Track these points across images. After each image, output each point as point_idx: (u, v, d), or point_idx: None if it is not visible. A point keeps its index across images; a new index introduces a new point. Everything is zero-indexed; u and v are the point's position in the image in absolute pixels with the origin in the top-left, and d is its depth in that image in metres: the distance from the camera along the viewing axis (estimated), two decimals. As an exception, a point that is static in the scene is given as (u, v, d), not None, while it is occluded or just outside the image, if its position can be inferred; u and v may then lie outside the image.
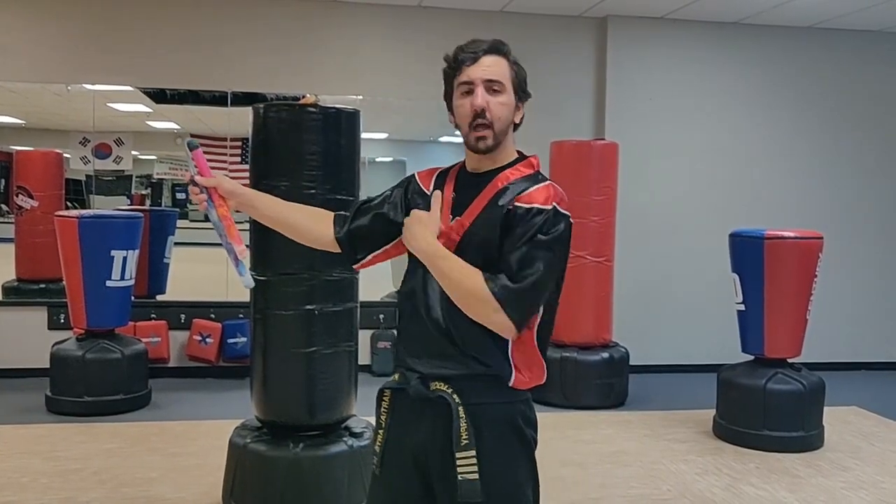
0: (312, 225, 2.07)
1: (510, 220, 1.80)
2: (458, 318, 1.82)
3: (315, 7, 6.54)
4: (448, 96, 1.93)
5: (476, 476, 1.79)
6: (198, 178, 1.96)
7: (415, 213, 1.88)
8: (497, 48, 1.88)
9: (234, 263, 1.97)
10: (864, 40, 7.14)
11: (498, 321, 1.76)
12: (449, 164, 2.04)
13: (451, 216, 1.89)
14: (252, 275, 3.67)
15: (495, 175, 1.88)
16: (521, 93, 1.90)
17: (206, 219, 1.99)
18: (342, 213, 2.09)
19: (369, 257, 2.06)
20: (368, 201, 2.07)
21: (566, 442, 4.95)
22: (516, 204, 1.81)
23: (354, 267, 2.10)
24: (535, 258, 1.77)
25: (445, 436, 1.83)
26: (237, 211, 2.02)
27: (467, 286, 1.77)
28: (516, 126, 1.93)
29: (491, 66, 1.85)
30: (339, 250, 2.06)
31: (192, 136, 6.74)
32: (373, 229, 2.02)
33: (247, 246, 3.71)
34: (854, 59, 7.16)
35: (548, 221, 1.79)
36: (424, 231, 1.83)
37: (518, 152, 1.95)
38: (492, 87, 1.84)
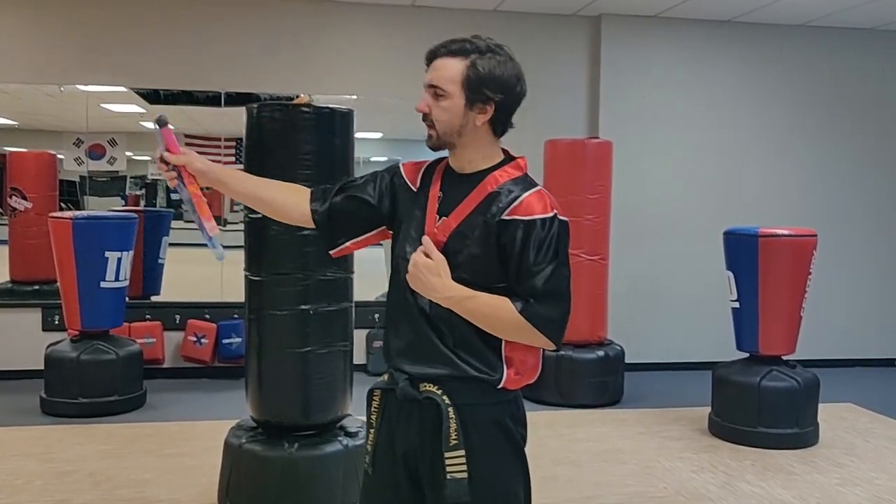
0: (287, 199, 2.03)
1: (511, 234, 1.78)
2: (450, 320, 1.82)
3: (308, 6, 6.53)
4: None
5: (465, 475, 1.80)
6: (166, 155, 1.94)
7: (421, 262, 1.82)
8: (454, 49, 1.83)
9: (205, 239, 1.96)
10: (856, 38, 7.16)
11: (538, 343, 1.83)
12: (429, 158, 2.01)
13: (437, 216, 1.88)
14: (246, 275, 3.70)
15: (483, 177, 1.87)
16: (480, 95, 1.82)
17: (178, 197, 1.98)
18: (318, 189, 2.03)
19: (348, 244, 2.03)
20: (351, 182, 2.03)
21: (561, 440, 4.95)
22: (515, 217, 1.79)
23: (332, 253, 2.06)
24: (559, 276, 1.80)
25: (434, 436, 1.83)
26: (208, 189, 1.99)
27: (502, 318, 1.79)
28: (499, 132, 1.89)
29: (439, 70, 1.84)
30: (312, 226, 2.01)
31: (187, 136, 6.73)
32: (355, 215, 1.99)
33: (240, 246, 3.72)
34: (846, 57, 7.18)
35: (556, 233, 1.79)
36: (440, 280, 1.81)
37: (504, 152, 1.93)
38: (435, 91, 1.84)
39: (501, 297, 1.79)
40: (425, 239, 1.85)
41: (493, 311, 1.79)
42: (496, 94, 1.82)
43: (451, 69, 1.83)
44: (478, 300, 1.80)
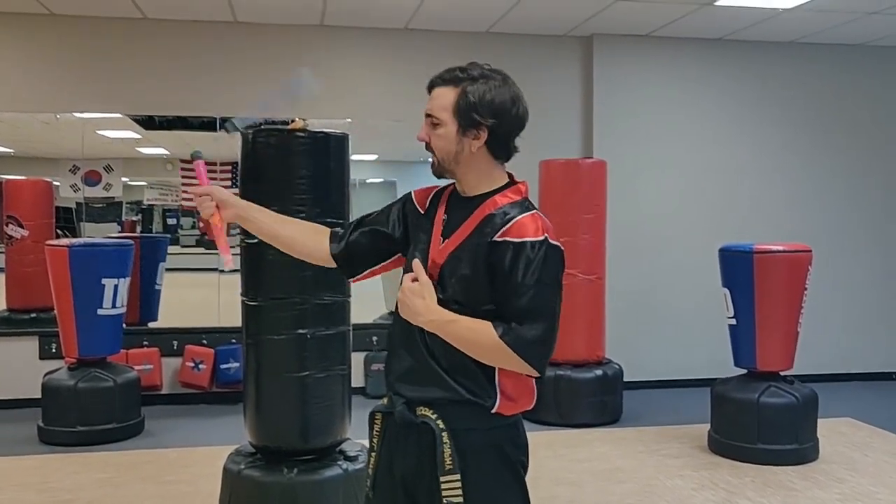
0: (307, 239, 2.10)
1: (500, 255, 1.79)
2: (445, 343, 1.83)
3: (302, 31, 6.58)
4: None
5: (461, 500, 1.80)
6: (191, 189, 2.01)
7: (407, 286, 1.86)
8: (447, 77, 1.88)
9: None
10: (847, 54, 7.22)
11: (520, 368, 1.81)
12: (440, 184, 2.05)
13: (441, 238, 1.91)
14: (243, 300, 3.70)
15: (484, 200, 1.89)
16: (472, 122, 1.84)
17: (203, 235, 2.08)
18: (338, 229, 2.11)
19: (366, 272, 2.10)
20: (366, 217, 2.10)
21: (561, 461, 4.94)
22: (506, 238, 1.80)
23: (351, 280, 2.15)
24: (543, 299, 1.79)
25: (431, 460, 1.83)
26: (230, 223, 2.06)
27: (482, 343, 1.79)
28: (501, 157, 1.91)
29: (434, 99, 1.89)
30: (333, 265, 2.08)
31: (182, 161, 6.76)
32: (371, 247, 2.06)
33: (237, 270, 3.73)
34: (838, 73, 7.24)
35: (544, 257, 1.78)
36: (424, 303, 1.83)
37: (508, 175, 1.95)
38: (431, 120, 1.89)
39: (483, 321, 1.79)
40: (415, 262, 1.88)
41: (474, 335, 1.79)
42: (487, 120, 1.84)
43: (444, 98, 1.87)
44: (459, 324, 1.81)
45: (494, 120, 1.84)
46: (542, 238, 1.80)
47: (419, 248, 1.94)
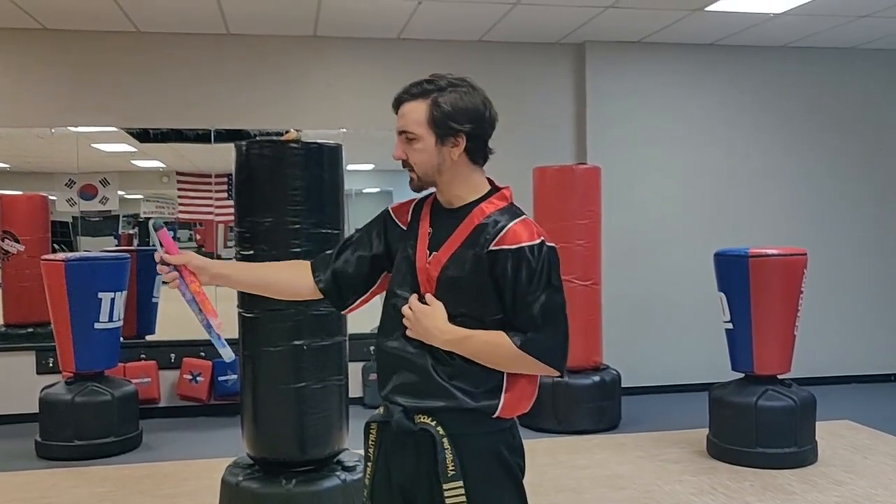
0: (290, 279, 2.08)
1: (502, 264, 1.81)
2: (448, 356, 1.84)
3: (295, 42, 6.60)
4: None
5: None
6: (166, 257, 1.96)
7: (417, 307, 1.86)
8: (416, 93, 1.87)
9: (213, 338, 1.97)
10: (839, 57, 7.25)
11: (541, 372, 1.85)
12: (416, 196, 2.04)
13: (427, 252, 1.90)
14: (240, 311, 3.70)
15: (470, 210, 1.89)
16: (448, 130, 1.85)
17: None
18: (318, 259, 2.08)
19: (357, 302, 2.07)
20: (348, 242, 2.07)
21: (560, 467, 4.93)
22: (502, 247, 1.81)
23: (343, 312, 2.11)
24: (554, 303, 1.82)
25: (431, 468, 1.84)
26: (211, 284, 2.02)
27: (502, 355, 1.82)
28: (478, 160, 1.92)
29: (405, 115, 1.88)
30: (321, 297, 2.06)
31: (178, 173, 6.76)
32: (357, 274, 2.03)
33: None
34: (830, 76, 7.27)
35: (546, 259, 1.81)
36: (437, 323, 1.84)
37: (490, 182, 1.96)
38: (406, 136, 1.89)
39: (498, 332, 1.82)
40: (413, 299, 1.88)
41: (493, 347, 1.82)
42: (464, 126, 1.86)
43: (416, 112, 1.86)
44: (475, 339, 1.82)
45: (471, 125, 1.86)
46: (538, 241, 1.82)
47: (405, 262, 1.94)
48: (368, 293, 2.06)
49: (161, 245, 1.99)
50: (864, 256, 7.33)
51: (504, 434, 1.90)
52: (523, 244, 1.80)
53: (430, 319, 1.84)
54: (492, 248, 1.82)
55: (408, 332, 1.88)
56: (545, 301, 1.80)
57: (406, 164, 1.91)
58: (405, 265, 1.94)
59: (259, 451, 3.68)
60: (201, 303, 1.97)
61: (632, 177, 6.89)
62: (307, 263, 2.08)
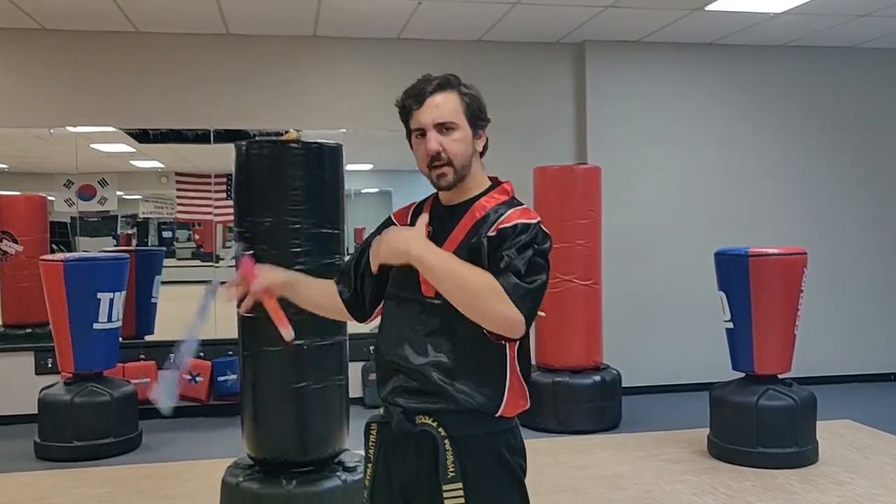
0: (333, 301, 2.09)
1: (499, 241, 1.80)
2: (455, 354, 1.82)
3: (295, 42, 6.59)
4: (409, 137, 1.94)
5: None
6: (253, 286, 1.99)
7: (391, 229, 1.86)
8: (443, 84, 1.87)
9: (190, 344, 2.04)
10: (838, 56, 7.24)
11: (509, 315, 1.71)
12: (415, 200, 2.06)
13: None
14: (239, 312, 3.68)
15: (471, 205, 1.89)
16: (479, 121, 1.89)
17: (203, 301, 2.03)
18: (337, 276, 2.11)
19: (375, 312, 2.10)
20: (361, 257, 2.05)
21: (561, 467, 4.93)
22: (500, 227, 1.81)
23: (366, 322, 2.13)
24: (539, 265, 1.79)
25: (431, 468, 1.83)
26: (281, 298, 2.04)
27: (476, 282, 1.72)
28: (482, 153, 1.94)
29: (440, 107, 1.84)
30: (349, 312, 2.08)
31: (177, 173, 6.75)
32: (375, 289, 2.04)
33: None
34: (829, 76, 7.26)
35: (536, 232, 1.81)
36: (410, 234, 1.80)
37: (491, 179, 1.96)
38: (443, 127, 1.85)
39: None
40: (423, 216, 1.90)
41: (469, 271, 1.73)
42: (487, 119, 1.91)
43: (451, 102, 1.86)
44: (453, 259, 1.76)
45: (489, 119, 1.92)
46: (534, 220, 1.83)
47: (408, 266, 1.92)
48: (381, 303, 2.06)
49: (242, 269, 2.02)
50: (864, 255, 7.32)
51: (505, 435, 1.89)
52: (519, 221, 1.81)
53: (403, 232, 1.82)
54: (489, 233, 1.82)
55: (373, 258, 1.83)
56: (531, 257, 1.76)
57: (439, 157, 1.84)
58: (405, 266, 1.92)
59: (259, 451, 3.67)
60: (278, 318, 2.00)
61: (632, 176, 6.88)
62: (332, 283, 2.10)
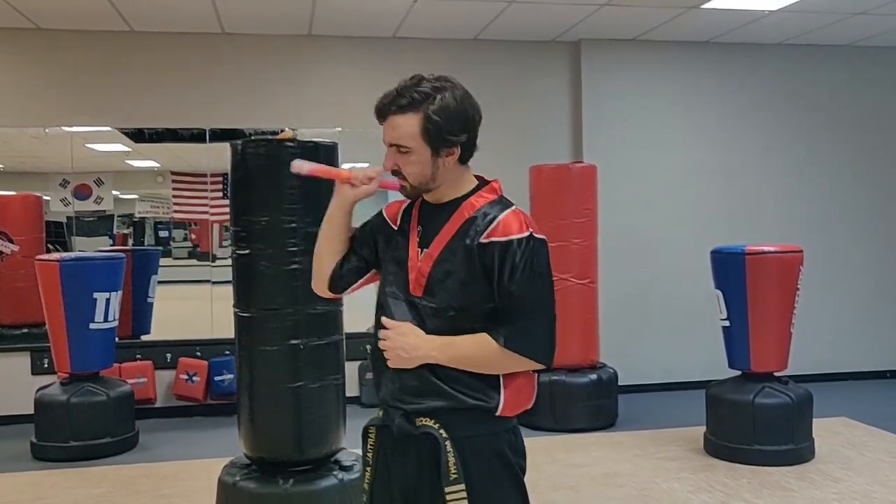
0: (334, 259, 2.09)
1: (490, 255, 1.81)
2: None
3: (290, 41, 6.58)
4: None
5: None
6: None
7: (391, 333, 1.87)
8: (406, 106, 1.82)
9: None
10: (834, 54, 7.25)
11: (529, 366, 1.85)
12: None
13: (419, 249, 1.90)
14: (236, 311, 3.68)
15: (458, 204, 1.89)
16: (444, 143, 1.84)
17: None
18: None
19: (348, 290, 2.11)
20: (353, 240, 2.08)
21: (558, 466, 4.93)
22: (492, 239, 1.81)
23: (332, 295, 2.14)
24: (538, 294, 1.82)
25: (433, 471, 1.83)
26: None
27: (487, 356, 1.81)
28: (468, 156, 1.91)
29: (396, 129, 1.84)
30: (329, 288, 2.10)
31: (173, 172, 6.75)
32: (356, 268, 2.06)
33: (229, 281, 3.70)
34: (825, 74, 7.27)
35: (532, 252, 1.81)
36: (417, 339, 1.84)
37: (478, 177, 1.96)
38: (399, 149, 1.86)
39: (480, 334, 1.81)
40: (384, 320, 1.91)
41: (477, 350, 1.81)
42: (460, 136, 1.85)
43: (408, 125, 1.83)
44: (457, 344, 1.82)
45: (465, 134, 1.86)
46: (527, 234, 1.82)
47: (396, 262, 1.94)
48: (357, 284, 2.09)
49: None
50: (859, 253, 7.34)
51: (507, 435, 1.89)
52: (512, 237, 1.80)
53: (410, 336, 1.84)
54: (482, 240, 1.82)
55: (389, 363, 1.87)
56: (529, 294, 1.80)
57: (397, 173, 1.89)
58: (393, 265, 1.95)
59: (256, 450, 3.67)
60: (336, 174, 2.02)
61: (628, 175, 6.89)
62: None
